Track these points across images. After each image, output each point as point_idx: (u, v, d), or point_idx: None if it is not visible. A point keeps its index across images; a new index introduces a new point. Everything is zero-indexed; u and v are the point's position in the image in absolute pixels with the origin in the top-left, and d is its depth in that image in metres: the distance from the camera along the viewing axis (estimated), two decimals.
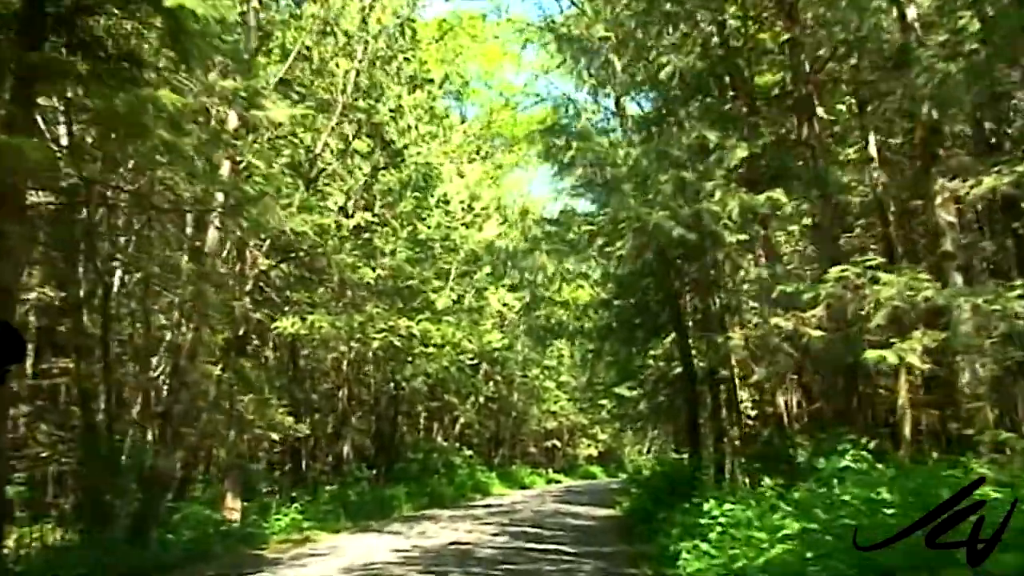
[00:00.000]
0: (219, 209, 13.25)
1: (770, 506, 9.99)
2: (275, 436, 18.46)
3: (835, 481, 9.09)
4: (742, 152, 12.14)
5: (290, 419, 15.75)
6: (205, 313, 13.72)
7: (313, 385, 26.26)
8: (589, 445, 59.70)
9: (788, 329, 11.54)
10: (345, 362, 24.60)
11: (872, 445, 10.11)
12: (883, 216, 15.02)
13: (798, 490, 9.88)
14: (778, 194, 11.71)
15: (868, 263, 10.53)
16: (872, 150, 14.78)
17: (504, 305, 28.02)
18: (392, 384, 24.48)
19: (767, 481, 12.24)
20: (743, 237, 12.10)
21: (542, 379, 46.64)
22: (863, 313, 10.17)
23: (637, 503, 19.27)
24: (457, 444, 36.20)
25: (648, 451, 74.16)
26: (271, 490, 19.31)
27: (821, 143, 13.66)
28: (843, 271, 10.48)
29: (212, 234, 14.34)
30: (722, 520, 10.56)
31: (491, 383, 37.76)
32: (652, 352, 20.75)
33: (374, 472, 28.88)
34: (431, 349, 20.77)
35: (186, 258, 14.59)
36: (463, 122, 29.15)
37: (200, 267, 13.66)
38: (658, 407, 23.27)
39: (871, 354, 10.16)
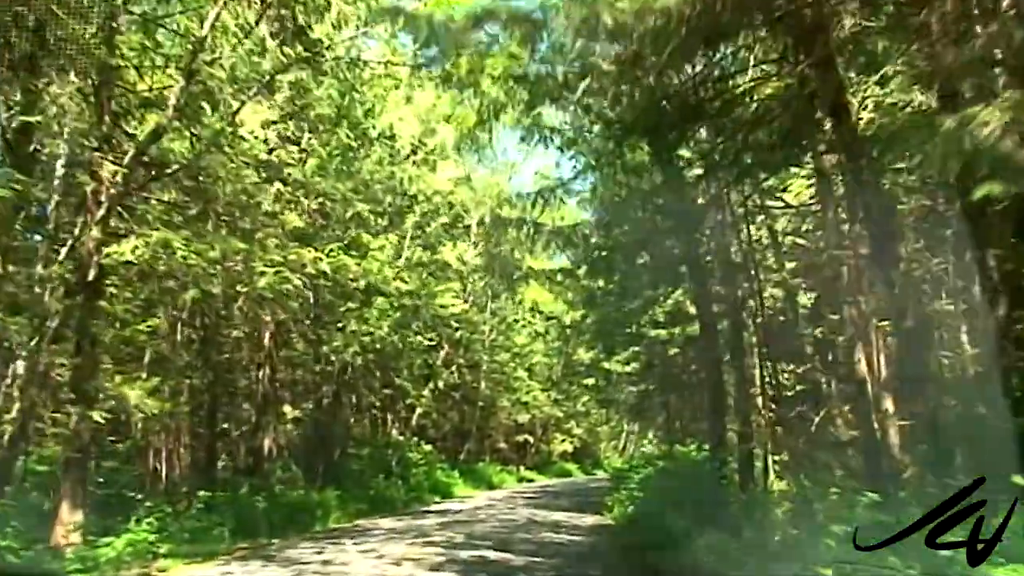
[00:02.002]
0: None
1: None
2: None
3: None
4: None
5: (137, 393, 10.64)
6: None
7: (229, 363, 21.20)
8: (564, 440, 55.28)
9: None
10: (267, 333, 19.52)
11: None
12: None
13: None
14: None
15: None
16: None
17: (463, 262, 23.04)
18: (323, 362, 19.39)
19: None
20: None
21: (513, 366, 41.92)
22: None
23: (639, 511, 14.51)
24: (415, 438, 31.13)
25: (624, 447, 70.42)
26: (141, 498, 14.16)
27: None
28: None
29: None
30: None
31: (453, 368, 32.83)
32: (661, 308, 16.02)
33: (308, 471, 24.20)
34: (362, 309, 15.84)
35: None
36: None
37: None
38: (661, 383, 18.62)
39: None
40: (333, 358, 18.09)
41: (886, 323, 9.52)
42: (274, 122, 13.56)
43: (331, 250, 12.58)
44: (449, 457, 37.16)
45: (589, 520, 17.55)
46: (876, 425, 9.47)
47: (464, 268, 23.28)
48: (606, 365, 18.66)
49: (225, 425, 22.04)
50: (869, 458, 9.32)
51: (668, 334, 17.83)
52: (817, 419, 12.67)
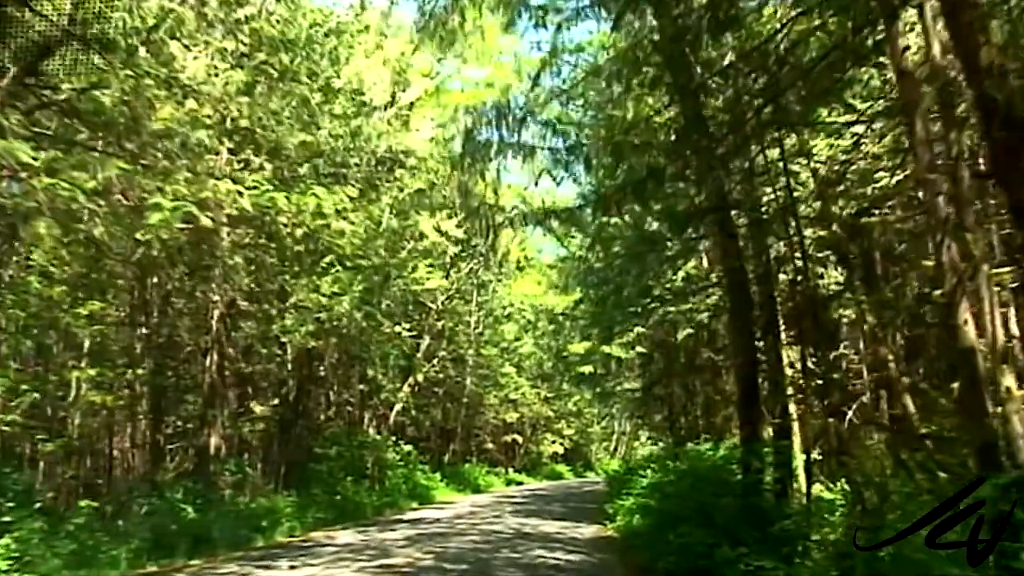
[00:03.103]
0: None
1: None
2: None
3: None
4: None
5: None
6: None
7: (175, 349, 18.48)
8: (554, 441, 52.82)
9: None
10: (216, 313, 16.76)
11: None
12: None
13: None
14: None
15: None
16: None
17: (441, 233, 20.27)
18: (274, 346, 16.68)
19: None
20: None
21: (500, 361, 39.33)
22: None
23: (651, 522, 11.87)
24: (393, 438, 28.39)
25: (616, 448, 68.04)
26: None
27: None
28: None
29: None
30: None
31: (435, 361, 30.11)
32: (671, 281, 13.41)
33: (268, 474, 21.50)
34: (311, 277, 13.15)
35: None
36: None
37: None
38: (667, 370, 15.96)
39: None
40: (284, 340, 15.31)
41: (1007, 272, 6.96)
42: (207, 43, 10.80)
43: (256, 184, 9.86)
44: (433, 458, 34.58)
45: (588, 531, 14.92)
46: (990, 409, 6.85)
47: (444, 242, 20.54)
48: (606, 349, 15.97)
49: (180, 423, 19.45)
50: (985, 456, 6.70)
51: (678, 312, 15.21)
52: (875, 408, 10.12)
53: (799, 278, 10.76)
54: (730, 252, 10.69)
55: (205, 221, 8.47)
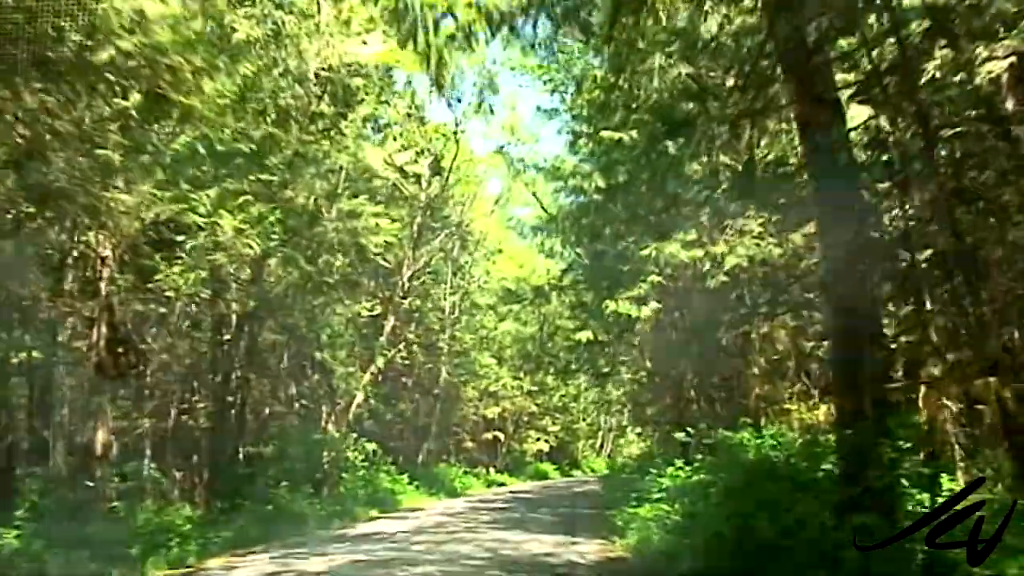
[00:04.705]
0: None
1: None
2: None
3: None
4: None
5: None
6: None
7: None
8: (539, 439, 49.04)
9: None
10: (104, 272, 12.66)
11: None
12: None
13: None
14: None
15: None
16: None
17: (396, 168, 16.25)
18: (158, 303, 12.58)
19: None
20: None
21: (478, 349, 35.58)
22: None
23: (689, 540, 7.99)
24: (354, 434, 24.40)
25: (603, 446, 64.74)
26: None
27: None
28: None
29: None
30: None
31: (401, 346, 26.15)
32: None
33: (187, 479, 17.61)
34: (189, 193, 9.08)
35: None
36: None
37: None
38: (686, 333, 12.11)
39: None
40: (170, 295, 11.25)
41: None
42: None
43: None
44: (405, 458, 30.71)
45: (590, 550, 11.03)
46: None
47: (400, 180, 16.56)
48: (611, 306, 12.08)
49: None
50: None
51: (700, 256, 11.40)
52: None
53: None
54: (818, 124, 6.84)
55: None
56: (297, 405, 24.43)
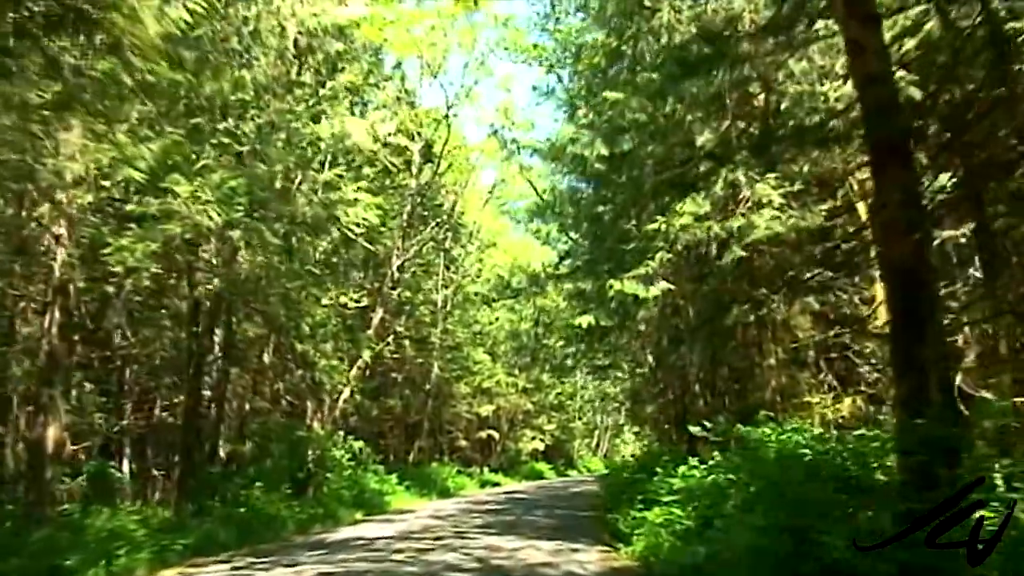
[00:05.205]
0: None
1: None
2: None
3: None
4: None
5: None
6: None
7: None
8: (534, 438, 47.98)
9: None
10: (58, 252, 11.44)
11: None
12: None
13: None
14: None
15: None
16: None
17: (380, 142, 15.01)
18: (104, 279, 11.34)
19: None
20: None
21: (473, 343, 34.48)
22: None
23: (716, 551, 6.81)
24: (341, 432, 23.23)
25: (599, 444, 63.88)
26: None
27: None
28: None
29: None
30: None
31: (390, 339, 24.98)
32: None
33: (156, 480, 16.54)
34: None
35: None
36: None
37: None
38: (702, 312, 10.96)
39: None
40: (117, 269, 9.97)
41: None
42: None
43: None
44: (395, 457, 29.56)
45: (591, 559, 9.85)
46: None
47: (387, 159, 15.30)
48: (616, 285, 10.86)
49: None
50: None
51: (714, 230, 10.23)
52: None
53: None
54: (871, 48, 5.67)
55: None
56: (284, 402, 23.30)
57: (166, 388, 18.81)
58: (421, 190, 25.01)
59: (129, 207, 9.30)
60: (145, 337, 17.68)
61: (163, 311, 14.05)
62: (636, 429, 41.98)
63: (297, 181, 12.41)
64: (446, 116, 24.44)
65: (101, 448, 18.27)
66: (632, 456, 31.67)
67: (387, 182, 24.14)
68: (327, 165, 13.81)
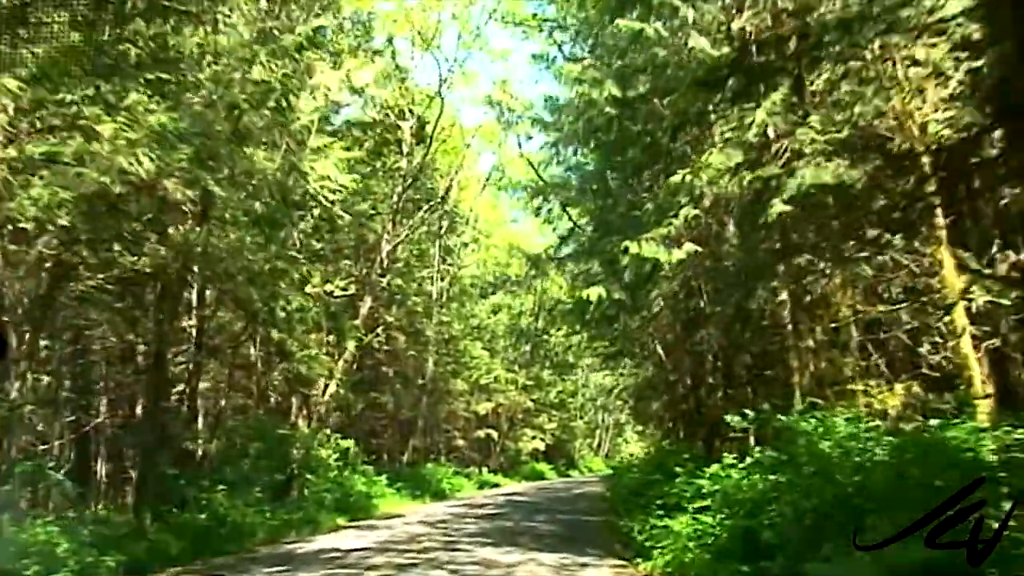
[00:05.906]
0: None
1: None
2: None
3: None
4: None
5: None
6: None
7: None
8: (534, 437, 46.48)
9: None
10: None
11: None
12: None
13: None
14: None
15: None
16: None
17: (353, 90, 13.30)
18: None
19: None
20: None
21: (470, 336, 32.98)
22: None
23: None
24: (327, 430, 21.66)
25: (600, 444, 62.48)
26: None
27: None
28: None
29: None
30: None
31: (379, 330, 23.36)
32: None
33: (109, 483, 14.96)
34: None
35: None
36: None
37: None
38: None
39: None
40: (27, 226, 8.19)
41: None
42: None
43: None
44: (392, 457, 27.99)
45: None
46: None
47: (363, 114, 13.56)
48: (632, 249, 9.17)
49: None
50: None
51: (749, 180, 8.54)
52: None
53: None
54: None
55: None
56: (271, 399, 21.72)
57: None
58: (412, 172, 23.38)
59: (38, 148, 7.58)
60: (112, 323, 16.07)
61: (109, 289, 12.22)
62: (639, 428, 40.56)
63: (255, 128, 10.66)
64: (439, 92, 22.85)
65: (78, 450, 16.77)
66: (631, 456, 30.17)
67: (377, 164, 22.60)
68: (309, 132, 12.10)
